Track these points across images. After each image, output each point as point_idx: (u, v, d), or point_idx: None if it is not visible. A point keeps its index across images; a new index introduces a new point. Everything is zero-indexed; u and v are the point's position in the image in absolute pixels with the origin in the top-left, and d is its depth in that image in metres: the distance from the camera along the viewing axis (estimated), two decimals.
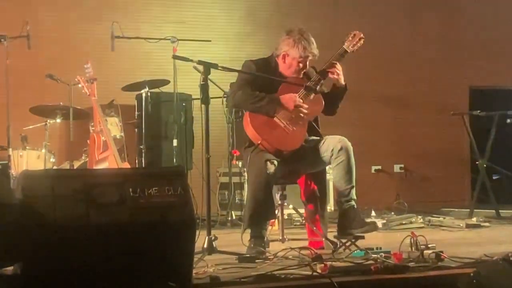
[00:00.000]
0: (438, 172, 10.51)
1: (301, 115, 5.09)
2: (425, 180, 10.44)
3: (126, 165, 7.12)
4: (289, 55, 5.26)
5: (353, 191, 5.07)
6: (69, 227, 3.36)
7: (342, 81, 5.26)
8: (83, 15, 9.11)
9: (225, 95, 7.49)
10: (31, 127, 7.76)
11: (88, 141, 7.47)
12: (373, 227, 5.10)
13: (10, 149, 7.22)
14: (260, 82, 5.20)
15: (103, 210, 3.46)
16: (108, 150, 6.95)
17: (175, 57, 5.76)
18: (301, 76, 5.32)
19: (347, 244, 4.90)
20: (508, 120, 8.08)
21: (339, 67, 5.24)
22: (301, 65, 5.26)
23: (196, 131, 8.22)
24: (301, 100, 5.11)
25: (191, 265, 3.72)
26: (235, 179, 8.01)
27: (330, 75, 5.21)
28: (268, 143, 4.99)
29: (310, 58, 5.27)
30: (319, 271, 3.89)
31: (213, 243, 4.66)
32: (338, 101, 5.35)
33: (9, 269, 3.45)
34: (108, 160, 6.84)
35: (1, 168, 7.45)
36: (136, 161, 7.89)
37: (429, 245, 4.54)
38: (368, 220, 6.57)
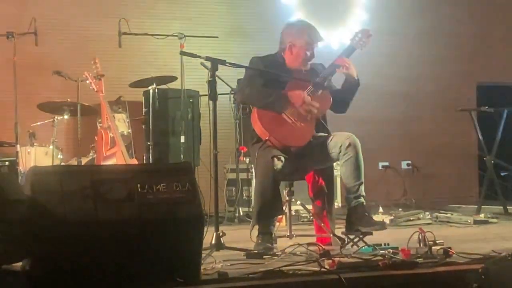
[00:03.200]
0: (446, 169, 10.49)
1: (310, 113, 5.08)
2: (432, 176, 10.42)
3: (134, 161, 7.13)
4: (296, 45, 5.26)
5: (362, 188, 5.06)
6: (78, 223, 3.38)
7: (355, 75, 5.24)
8: (90, 11, 9.12)
9: (233, 92, 7.49)
10: (38, 123, 7.77)
11: (95, 137, 7.47)
12: (382, 226, 5.08)
13: (18, 146, 7.24)
14: (268, 79, 5.20)
15: (111, 206, 3.47)
16: (115, 147, 6.96)
17: (182, 53, 5.75)
18: (308, 67, 5.32)
19: (355, 240, 4.90)
20: None
21: (347, 60, 5.23)
22: (308, 53, 5.25)
23: (203, 127, 8.23)
24: (309, 97, 5.10)
25: (199, 261, 3.73)
26: (243, 176, 8.01)
27: (338, 70, 5.20)
28: (276, 139, 4.99)
29: (316, 45, 5.27)
30: (327, 267, 3.90)
31: (221, 239, 4.66)
32: (350, 97, 5.32)
33: (18, 265, 3.46)
34: (116, 157, 6.85)
35: (9, 164, 7.46)
36: (144, 158, 7.90)
37: (437, 241, 4.54)
38: (375, 215, 6.60)
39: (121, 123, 7.62)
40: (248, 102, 5.49)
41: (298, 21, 5.36)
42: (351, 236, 4.94)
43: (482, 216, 7.04)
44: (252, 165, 6.78)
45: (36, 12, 8.11)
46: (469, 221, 6.74)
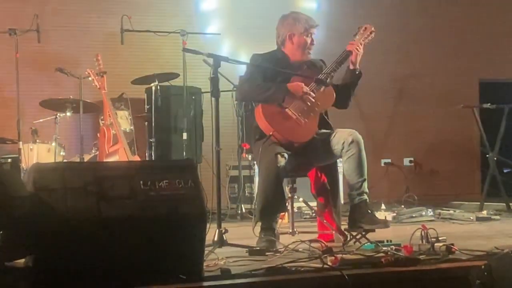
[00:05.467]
0: (448, 165, 10.49)
1: (309, 103, 5.08)
2: (434, 173, 10.43)
3: (136, 158, 7.13)
4: (295, 34, 5.27)
5: (365, 184, 5.05)
6: (80, 220, 3.37)
7: (358, 64, 5.24)
8: (93, 8, 9.13)
9: (235, 88, 7.49)
10: (41, 120, 7.78)
11: (98, 134, 7.48)
12: (385, 225, 5.08)
13: (21, 143, 7.24)
14: (270, 76, 5.20)
15: (113, 203, 3.46)
16: (118, 143, 6.97)
17: (185, 50, 5.76)
18: (310, 57, 5.32)
19: (358, 237, 4.90)
20: None
21: (360, 48, 5.22)
22: (308, 39, 5.26)
23: (205, 124, 8.23)
24: (307, 88, 5.10)
25: (201, 257, 3.72)
26: (245, 172, 8.02)
27: (350, 49, 5.18)
28: (279, 134, 4.98)
29: (314, 30, 5.27)
30: (329, 263, 3.88)
31: (224, 236, 4.66)
32: (352, 90, 5.30)
33: (21, 261, 3.46)
34: (118, 153, 6.86)
35: (11, 161, 7.47)
36: (146, 155, 7.90)
37: (440, 238, 4.53)
38: (378, 212, 6.59)
39: (123, 120, 7.63)
40: (247, 98, 5.50)
41: (291, 12, 5.38)
42: (354, 233, 4.94)
43: (484, 213, 7.04)
44: (255, 162, 6.78)
45: (38, 9, 8.11)
46: (471, 218, 6.74)
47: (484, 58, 10.74)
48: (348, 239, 4.93)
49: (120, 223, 3.46)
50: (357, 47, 5.21)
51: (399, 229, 5.99)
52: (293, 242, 4.63)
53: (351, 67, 5.25)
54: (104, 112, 7.31)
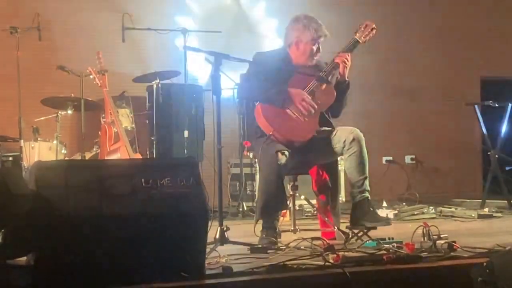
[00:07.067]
0: (450, 163, 10.49)
1: (306, 113, 5.06)
2: (436, 171, 10.42)
3: (138, 156, 7.13)
4: (302, 41, 5.26)
5: (366, 182, 5.06)
6: (82, 218, 3.38)
7: (346, 76, 5.24)
8: (94, 6, 9.11)
9: (236, 86, 7.48)
10: (42, 118, 7.76)
11: (99, 132, 7.47)
12: (387, 222, 5.08)
13: (22, 141, 7.24)
14: (272, 74, 5.19)
15: (115, 201, 3.47)
16: (119, 142, 6.96)
17: (186, 48, 5.75)
18: (314, 63, 5.31)
19: (359, 234, 4.90)
20: None
21: (349, 59, 5.22)
22: (315, 48, 5.25)
23: (207, 122, 8.22)
24: (309, 97, 5.09)
25: (203, 255, 3.72)
26: (246, 170, 8.01)
27: (339, 62, 5.18)
28: (279, 134, 4.98)
29: (322, 39, 5.26)
30: (331, 261, 3.89)
31: (225, 233, 4.66)
32: (341, 99, 5.29)
33: (23, 259, 3.47)
34: (120, 151, 6.86)
35: (13, 159, 7.47)
36: (147, 153, 7.89)
37: (442, 235, 4.55)
38: (379, 210, 6.59)
39: (124, 118, 7.62)
40: (247, 96, 5.48)
41: (304, 16, 5.34)
42: (356, 231, 4.94)
43: (486, 210, 7.04)
44: (256, 160, 6.78)
45: (40, 7, 8.11)
46: (473, 215, 6.74)
47: (485, 56, 10.74)
48: (350, 236, 4.93)
49: (121, 221, 3.46)
50: (345, 59, 5.20)
51: (401, 226, 5.99)
52: (295, 240, 4.64)
53: (340, 78, 5.25)
54: (105, 110, 7.30)
